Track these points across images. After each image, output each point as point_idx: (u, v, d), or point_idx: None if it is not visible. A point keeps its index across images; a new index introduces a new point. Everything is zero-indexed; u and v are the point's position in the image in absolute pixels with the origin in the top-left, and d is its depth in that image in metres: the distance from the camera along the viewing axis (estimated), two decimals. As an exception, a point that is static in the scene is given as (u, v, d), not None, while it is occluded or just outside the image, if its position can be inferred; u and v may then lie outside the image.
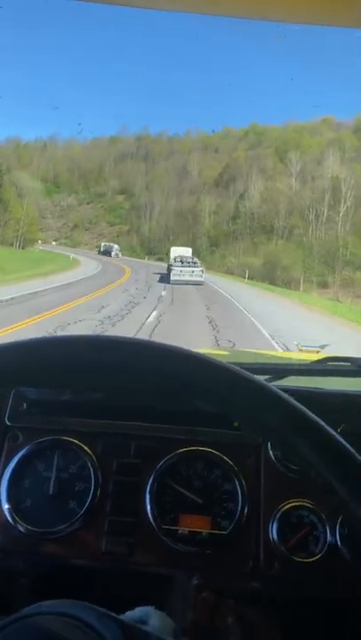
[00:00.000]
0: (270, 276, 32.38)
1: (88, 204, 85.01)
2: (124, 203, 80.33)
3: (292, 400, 0.41)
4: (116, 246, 51.82)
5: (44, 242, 60.84)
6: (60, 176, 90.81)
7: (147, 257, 57.36)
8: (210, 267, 46.11)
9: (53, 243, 54.44)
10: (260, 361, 1.45)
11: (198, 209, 55.94)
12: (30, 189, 52.42)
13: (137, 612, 0.54)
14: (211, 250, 51.23)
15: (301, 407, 0.41)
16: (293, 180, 51.65)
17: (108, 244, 55.94)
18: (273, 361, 1.61)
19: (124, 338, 0.41)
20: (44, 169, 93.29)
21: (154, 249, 62.59)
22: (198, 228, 52.78)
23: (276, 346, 8.17)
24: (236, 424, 0.81)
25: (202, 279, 21.21)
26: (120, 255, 49.28)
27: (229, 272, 41.44)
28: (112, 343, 0.41)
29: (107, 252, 49.15)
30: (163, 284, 19.94)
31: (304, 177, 51.02)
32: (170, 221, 61.59)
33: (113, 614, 0.41)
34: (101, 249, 52.33)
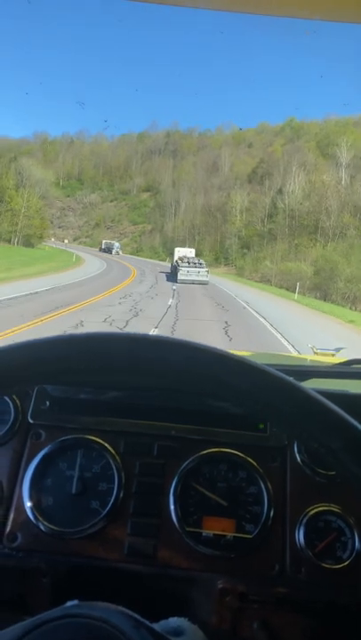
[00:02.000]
0: (323, 288, 23.38)
1: (112, 201, 79.07)
2: (148, 200, 73.79)
3: (339, 411, 0.38)
4: (117, 244, 50.33)
5: (59, 239, 54.45)
6: (85, 173, 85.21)
7: (168, 258, 50.41)
8: (240, 273, 38.02)
9: (65, 241, 48.13)
10: (281, 362, 1.44)
11: (229, 206, 50.10)
12: (39, 180, 44.82)
13: (171, 622, 0.53)
14: (242, 252, 43.20)
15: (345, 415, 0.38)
16: (343, 173, 42.43)
17: (108, 241, 54.21)
18: (294, 362, 1.61)
19: (161, 336, 0.40)
20: (69, 165, 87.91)
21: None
22: (228, 227, 47.33)
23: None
24: (261, 426, 0.78)
25: (207, 279, 21.59)
26: (121, 253, 47.45)
27: (265, 280, 32.79)
28: (149, 342, 0.39)
29: (107, 250, 48.07)
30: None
31: (356, 168, 41.77)
32: (196, 220, 54.16)
33: (148, 623, 0.40)
34: (102, 246, 51.04)
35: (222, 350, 0.40)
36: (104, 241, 55.65)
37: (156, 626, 0.40)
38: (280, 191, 45.65)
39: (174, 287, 17.89)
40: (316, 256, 29.01)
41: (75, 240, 72.46)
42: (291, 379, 0.39)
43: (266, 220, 43.94)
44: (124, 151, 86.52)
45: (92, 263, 28.99)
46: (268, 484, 0.75)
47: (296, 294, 19.66)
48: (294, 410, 0.39)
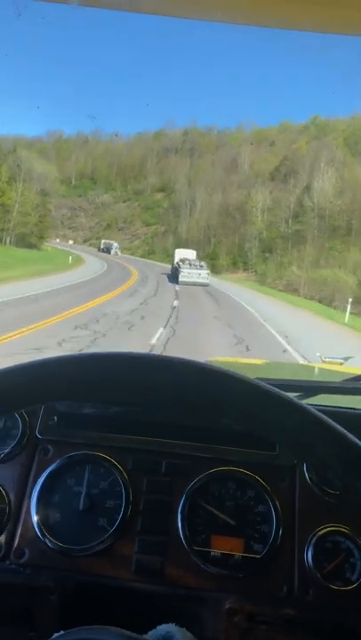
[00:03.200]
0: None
1: (124, 202, 75.33)
2: (162, 201, 69.69)
3: (348, 434, 0.38)
4: (115, 244, 51.04)
5: (66, 240, 51.21)
6: (98, 172, 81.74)
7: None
8: (261, 280, 33.14)
9: (71, 242, 44.65)
10: (287, 375, 1.39)
11: (248, 205, 46.14)
12: (41, 175, 40.67)
13: (160, 630, 0.53)
14: (263, 256, 38.35)
15: (354, 439, 0.38)
16: (379, 168, 36.97)
17: (107, 241, 54.84)
18: (302, 375, 1.57)
19: (164, 357, 0.40)
20: (82, 164, 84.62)
21: (191, 253, 50.68)
22: (247, 229, 44.05)
23: None
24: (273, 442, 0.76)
25: (207, 281, 21.56)
26: (119, 253, 48.20)
27: (291, 288, 27.61)
28: (153, 362, 0.40)
29: (107, 250, 48.78)
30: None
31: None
32: (212, 220, 49.80)
33: (137, 636, 0.41)
34: (101, 246, 51.75)
35: (228, 370, 0.39)
36: (103, 241, 55.98)
37: (146, 636, 0.41)
38: (307, 188, 41.05)
39: (175, 304, 13.28)
40: (357, 262, 23.56)
41: (85, 242, 69.16)
42: (295, 398, 0.40)
43: (291, 221, 40.19)
44: (140, 150, 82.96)
45: (90, 266, 26.86)
46: (277, 504, 0.74)
47: (347, 316, 13.73)
48: (299, 430, 0.39)
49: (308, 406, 0.40)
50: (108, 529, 0.74)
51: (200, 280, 21.61)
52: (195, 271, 22.34)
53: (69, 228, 75.41)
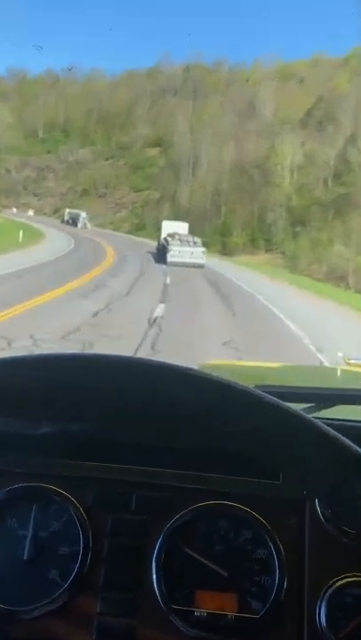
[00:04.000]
0: None
1: (107, 160, 71.46)
2: (156, 158, 65.90)
3: None
4: (83, 214, 50.39)
5: (24, 210, 47.84)
6: (73, 121, 77.74)
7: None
8: (292, 264, 29.44)
9: (30, 212, 41.07)
10: (300, 381, 1.43)
11: (272, 162, 42.75)
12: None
13: None
14: (293, 231, 34.70)
15: None
16: None
17: (74, 211, 54.00)
18: (321, 381, 1.64)
19: (129, 358, 0.37)
20: (52, 111, 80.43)
21: (194, 226, 46.81)
22: (271, 193, 40.52)
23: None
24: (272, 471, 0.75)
25: (203, 261, 21.49)
26: (88, 226, 48.20)
27: (335, 277, 23.85)
28: (115, 363, 0.38)
29: (72, 222, 48.90)
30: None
31: None
32: (223, 183, 46.10)
33: None
34: (65, 217, 51.38)
35: (224, 379, 0.37)
36: (67, 210, 54.90)
37: None
38: (353, 138, 37.64)
39: (158, 312, 9.47)
40: None
41: (55, 212, 65.34)
42: (302, 412, 0.37)
43: (331, 182, 37.70)
44: (127, 92, 78.95)
45: (49, 244, 24.68)
46: (281, 548, 0.72)
47: None
48: (308, 452, 0.36)
49: (319, 422, 0.37)
50: (62, 583, 0.71)
51: (193, 260, 21.19)
52: (187, 249, 21.85)
53: (35, 195, 71.57)
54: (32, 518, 0.74)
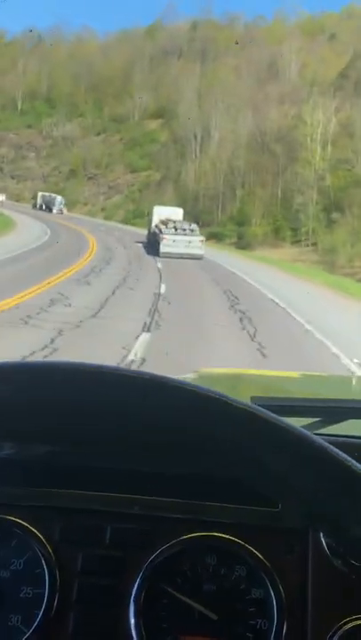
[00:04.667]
0: None
1: (98, 134, 69.87)
2: (158, 132, 64.18)
3: None
4: (59, 198, 50.56)
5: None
6: (58, 88, 76.24)
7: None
8: (328, 260, 27.15)
9: (1, 198, 39.47)
10: (306, 392, 1.47)
11: (300, 133, 40.62)
12: None
13: None
14: (327, 219, 32.93)
15: None
16: None
17: (47, 194, 53.88)
18: (326, 391, 1.67)
19: (104, 367, 0.40)
20: (34, 77, 78.85)
21: (202, 214, 44.69)
22: (298, 171, 38.47)
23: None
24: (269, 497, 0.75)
25: (201, 252, 21.71)
26: (65, 211, 48.92)
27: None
28: (103, 374, 0.40)
29: (47, 207, 49.05)
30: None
31: None
32: (238, 159, 44.25)
33: None
34: (38, 202, 51.63)
35: (216, 392, 0.40)
36: (40, 194, 54.31)
37: None
38: None
39: (133, 356, 6.87)
40: None
41: (34, 198, 63.49)
42: (303, 429, 0.39)
43: None
44: (123, 54, 77.48)
45: (17, 238, 23.28)
46: (280, 587, 0.72)
47: None
48: (310, 476, 0.39)
49: (324, 441, 0.39)
50: (25, 631, 0.71)
51: (190, 250, 21.36)
52: (182, 237, 21.88)
53: (12, 177, 69.94)
54: None
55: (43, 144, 71.76)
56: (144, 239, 27.57)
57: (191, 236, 22.51)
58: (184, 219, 29.57)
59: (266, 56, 61.40)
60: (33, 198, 61.42)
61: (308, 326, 9.46)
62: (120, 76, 74.87)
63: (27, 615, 0.71)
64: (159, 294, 11.45)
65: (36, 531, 0.74)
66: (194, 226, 24.23)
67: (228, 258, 24.30)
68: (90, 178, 64.37)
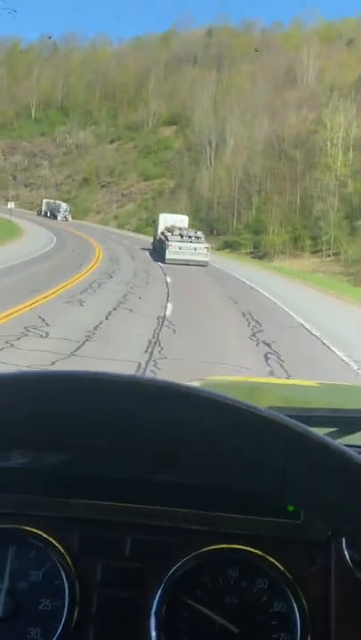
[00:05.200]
0: None
1: (112, 142, 68.10)
2: (172, 139, 62.27)
3: None
4: (64, 205, 50.56)
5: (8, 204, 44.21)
6: (72, 96, 74.84)
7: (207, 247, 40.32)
8: (353, 272, 24.81)
9: (10, 205, 37.75)
10: (322, 402, 1.46)
11: (320, 137, 38.51)
12: None
13: None
14: (350, 227, 30.33)
15: None
16: None
17: (53, 201, 53.71)
18: (342, 401, 1.65)
19: (112, 375, 0.39)
20: (48, 85, 77.51)
21: (217, 223, 42.60)
22: (318, 178, 36.08)
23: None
24: (291, 509, 0.74)
25: (206, 259, 22.18)
26: (69, 218, 49.25)
27: None
28: (118, 383, 0.40)
29: (51, 214, 49.20)
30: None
31: None
32: (255, 166, 42.02)
33: None
34: (43, 208, 51.65)
35: (233, 399, 0.38)
36: (45, 201, 53.99)
37: None
38: None
39: None
40: None
41: (39, 205, 61.91)
42: (327, 437, 0.38)
43: None
44: (138, 62, 75.85)
45: (22, 246, 21.74)
46: (303, 600, 0.71)
47: None
48: (333, 486, 0.38)
49: (347, 448, 0.38)
50: None
51: (196, 257, 21.76)
52: (188, 245, 22.10)
53: (26, 186, 68.48)
54: (7, 567, 0.73)
55: (56, 152, 70.33)
56: (150, 246, 27.28)
57: (197, 243, 22.59)
58: (198, 227, 30.33)
59: (283, 62, 59.37)
60: (38, 205, 60.56)
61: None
62: (134, 83, 73.33)
63: (46, 628, 0.70)
64: (164, 317, 9.29)
65: (55, 542, 0.73)
66: (199, 233, 24.32)
67: (244, 269, 22.16)
68: (103, 186, 62.67)
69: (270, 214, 35.88)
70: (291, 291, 16.31)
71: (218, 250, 37.50)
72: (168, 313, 9.84)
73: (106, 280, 13.98)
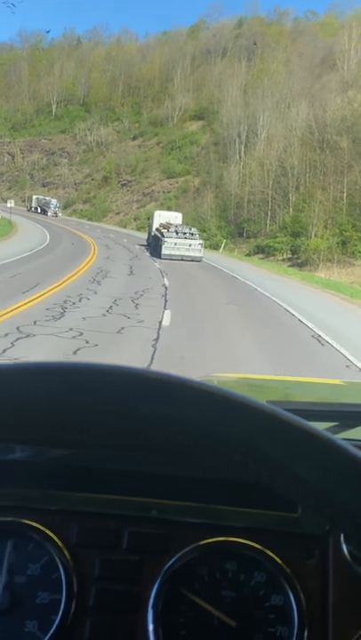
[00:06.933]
0: None
1: (135, 138, 61.90)
2: (198, 134, 55.94)
3: None
4: (54, 201, 49.88)
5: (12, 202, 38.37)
6: (95, 93, 68.75)
7: (235, 248, 33.23)
8: None
9: (9, 204, 32.13)
10: (322, 396, 1.42)
11: None
12: None
13: None
14: None
15: None
16: None
17: (42, 197, 52.48)
18: (341, 396, 1.61)
19: (129, 368, 0.38)
20: (70, 80, 71.83)
21: (247, 224, 35.99)
22: None
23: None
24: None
25: (201, 255, 22.69)
26: (60, 214, 48.60)
27: None
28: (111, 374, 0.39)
29: (41, 210, 48.53)
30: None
31: None
32: (292, 158, 34.96)
33: None
34: (33, 204, 50.93)
35: (230, 391, 0.39)
36: (35, 197, 52.49)
37: None
38: None
39: None
40: None
41: (66, 207, 56.39)
42: (324, 431, 0.39)
43: None
44: (164, 55, 69.65)
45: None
46: (300, 593, 0.69)
47: None
48: (330, 478, 0.38)
49: (346, 442, 0.38)
50: (41, 637, 0.67)
51: (191, 253, 22.08)
52: (183, 241, 22.25)
53: (44, 185, 62.83)
54: (5, 560, 0.71)
55: (76, 150, 64.57)
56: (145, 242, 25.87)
57: (191, 239, 22.58)
58: (226, 230, 30.09)
59: (319, 49, 52.59)
60: (67, 207, 56.49)
61: None
62: (159, 77, 67.19)
63: (43, 621, 0.68)
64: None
65: (53, 535, 0.71)
66: (194, 230, 24.07)
67: (281, 286, 15.62)
68: (124, 184, 56.56)
69: (312, 213, 29.04)
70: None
71: (248, 256, 30.76)
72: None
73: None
